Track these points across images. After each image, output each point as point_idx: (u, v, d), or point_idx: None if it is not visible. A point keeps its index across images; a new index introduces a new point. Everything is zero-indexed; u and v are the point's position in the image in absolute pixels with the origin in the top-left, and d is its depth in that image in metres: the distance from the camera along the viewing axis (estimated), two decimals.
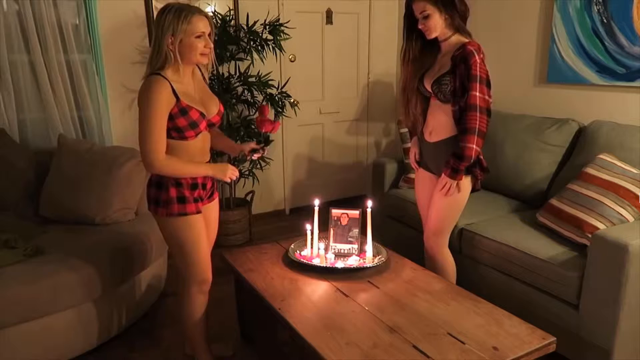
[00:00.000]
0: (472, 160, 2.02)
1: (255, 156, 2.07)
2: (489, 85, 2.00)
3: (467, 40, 2.02)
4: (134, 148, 2.68)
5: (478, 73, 1.95)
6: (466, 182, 2.12)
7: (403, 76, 2.25)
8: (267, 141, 2.10)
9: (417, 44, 2.17)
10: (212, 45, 1.81)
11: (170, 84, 1.74)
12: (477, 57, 1.95)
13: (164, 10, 1.73)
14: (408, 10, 2.11)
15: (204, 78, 1.98)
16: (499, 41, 3.40)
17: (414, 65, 2.20)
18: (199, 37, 1.75)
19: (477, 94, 1.96)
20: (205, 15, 1.78)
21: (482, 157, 2.13)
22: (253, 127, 3.36)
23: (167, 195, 1.82)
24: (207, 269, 1.96)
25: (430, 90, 2.13)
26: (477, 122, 1.97)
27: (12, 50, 2.85)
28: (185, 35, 1.72)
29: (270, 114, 2.09)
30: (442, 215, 2.20)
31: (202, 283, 1.96)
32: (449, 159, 2.05)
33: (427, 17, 2.02)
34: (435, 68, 2.13)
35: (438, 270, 2.25)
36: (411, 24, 2.13)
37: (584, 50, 2.88)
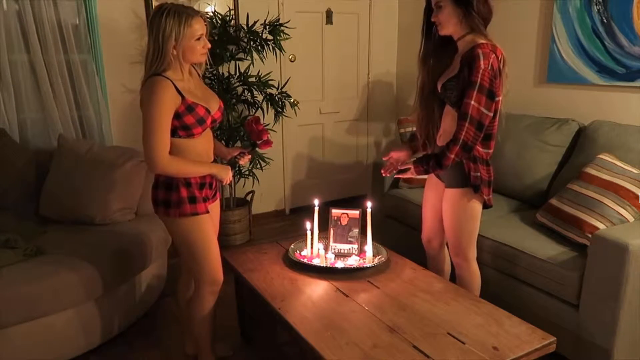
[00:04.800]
0: (446, 169, 1.94)
1: (242, 161, 2.09)
2: (490, 95, 1.83)
3: (480, 42, 1.86)
4: (134, 148, 2.69)
5: (479, 80, 1.81)
6: (475, 198, 2.03)
7: (421, 78, 2.12)
8: (254, 145, 2.11)
9: (434, 41, 2.04)
10: (209, 46, 1.83)
11: (173, 83, 1.75)
12: (482, 62, 1.80)
13: (162, 13, 1.71)
14: (428, 3, 2.01)
15: (198, 75, 1.99)
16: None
17: (431, 64, 2.07)
18: (198, 39, 1.77)
19: (472, 102, 1.82)
20: (201, 15, 1.79)
21: (486, 169, 2.02)
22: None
23: (177, 196, 1.82)
24: (218, 269, 1.96)
25: (440, 92, 2.03)
26: (464, 133, 1.85)
27: (12, 50, 2.85)
28: (187, 39, 1.74)
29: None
30: (454, 231, 2.10)
31: (214, 283, 1.96)
32: (430, 159, 1.95)
33: (440, 9, 1.92)
34: (450, 70, 2.00)
35: (463, 285, 2.14)
36: (430, 19, 2.01)
37: (584, 50, 2.88)
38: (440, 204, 2.17)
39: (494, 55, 1.84)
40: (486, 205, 2.07)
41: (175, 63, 1.77)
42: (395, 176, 2.14)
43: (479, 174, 1.98)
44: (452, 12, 1.89)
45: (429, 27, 2.03)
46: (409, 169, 2.04)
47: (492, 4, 1.94)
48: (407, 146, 2.27)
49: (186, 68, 1.84)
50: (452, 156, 1.89)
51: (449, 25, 1.92)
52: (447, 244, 2.25)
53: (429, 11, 2.00)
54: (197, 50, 1.79)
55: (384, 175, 2.25)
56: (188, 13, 1.73)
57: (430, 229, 2.30)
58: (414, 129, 2.27)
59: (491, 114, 1.88)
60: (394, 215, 3.14)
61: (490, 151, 2.02)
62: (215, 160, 2.05)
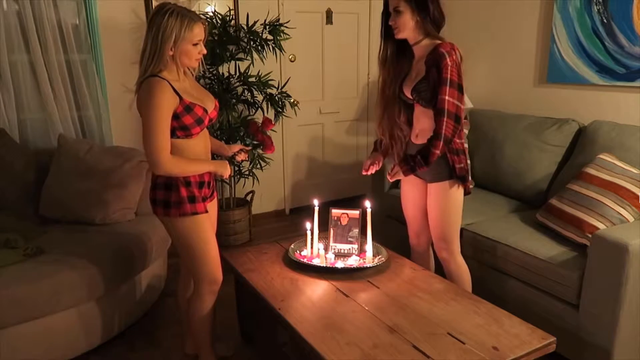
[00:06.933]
0: (432, 165, 2.01)
1: (240, 158, 2.10)
2: (460, 89, 1.94)
3: (439, 42, 1.96)
4: (134, 148, 2.69)
5: (449, 76, 1.90)
6: (459, 188, 2.11)
7: (382, 79, 2.19)
8: (257, 146, 2.12)
9: (392, 45, 2.12)
10: (205, 52, 1.84)
11: (170, 84, 1.75)
12: (448, 59, 1.90)
13: (165, 12, 1.71)
14: (386, 7, 2.08)
15: (192, 75, 1.99)
16: (499, 41, 3.40)
17: (391, 69, 2.15)
18: (195, 44, 1.78)
19: (447, 97, 1.91)
20: (203, 22, 1.80)
21: (465, 158, 2.09)
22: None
23: (177, 196, 1.83)
24: (218, 268, 1.96)
25: (411, 97, 2.10)
26: (444, 128, 1.93)
27: (12, 50, 2.85)
28: (185, 42, 1.75)
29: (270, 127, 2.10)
30: (442, 224, 2.16)
31: (213, 283, 1.96)
32: (416, 157, 2.01)
33: (398, 13, 1.98)
34: (412, 75, 2.09)
35: (453, 280, 2.19)
36: (389, 22, 2.09)
37: (584, 50, 2.88)
38: (422, 200, 2.25)
39: (454, 52, 1.93)
40: (466, 193, 2.16)
41: (172, 64, 1.77)
42: (390, 179, 2.18)
43: (463, 164, 2.07)
44: (409, 18, 1.98)
45: (387, 29, 2.11)
46: (397, 171, 2.11)
47: (445, 11, 2.03)
48: (378, 151, 2.34)
49: (181, 68, 1.85)
50: (438, 152, 1.98)
51: (406, 29, 2.01)
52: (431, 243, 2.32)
53: (387, 15, 2.08)
54: (193, 56, 1.80)
55: (364, 173, 2.33)
56: (191, 17, 1.74)
57: (416, 225, 2.36)
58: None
59: (464, 106, 1.99)
60: (394, 215, 3.14)
61: (464, 141, 2.12)
62: (214, 159, 2.05)
